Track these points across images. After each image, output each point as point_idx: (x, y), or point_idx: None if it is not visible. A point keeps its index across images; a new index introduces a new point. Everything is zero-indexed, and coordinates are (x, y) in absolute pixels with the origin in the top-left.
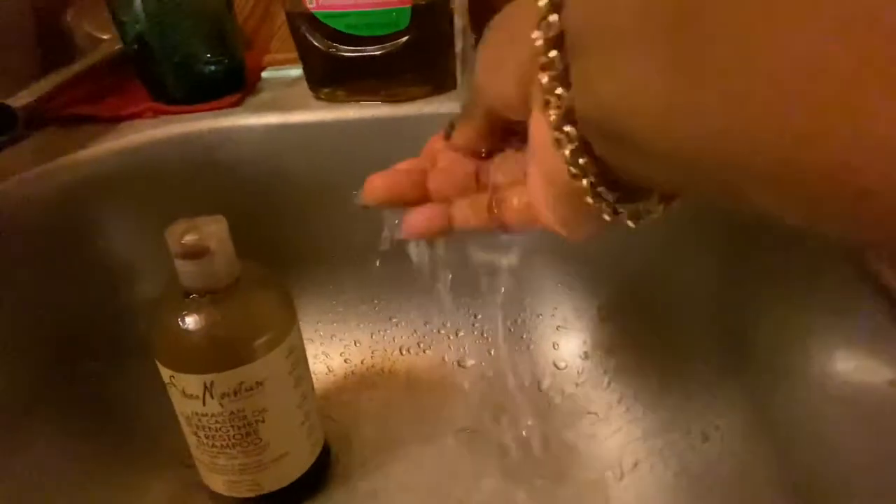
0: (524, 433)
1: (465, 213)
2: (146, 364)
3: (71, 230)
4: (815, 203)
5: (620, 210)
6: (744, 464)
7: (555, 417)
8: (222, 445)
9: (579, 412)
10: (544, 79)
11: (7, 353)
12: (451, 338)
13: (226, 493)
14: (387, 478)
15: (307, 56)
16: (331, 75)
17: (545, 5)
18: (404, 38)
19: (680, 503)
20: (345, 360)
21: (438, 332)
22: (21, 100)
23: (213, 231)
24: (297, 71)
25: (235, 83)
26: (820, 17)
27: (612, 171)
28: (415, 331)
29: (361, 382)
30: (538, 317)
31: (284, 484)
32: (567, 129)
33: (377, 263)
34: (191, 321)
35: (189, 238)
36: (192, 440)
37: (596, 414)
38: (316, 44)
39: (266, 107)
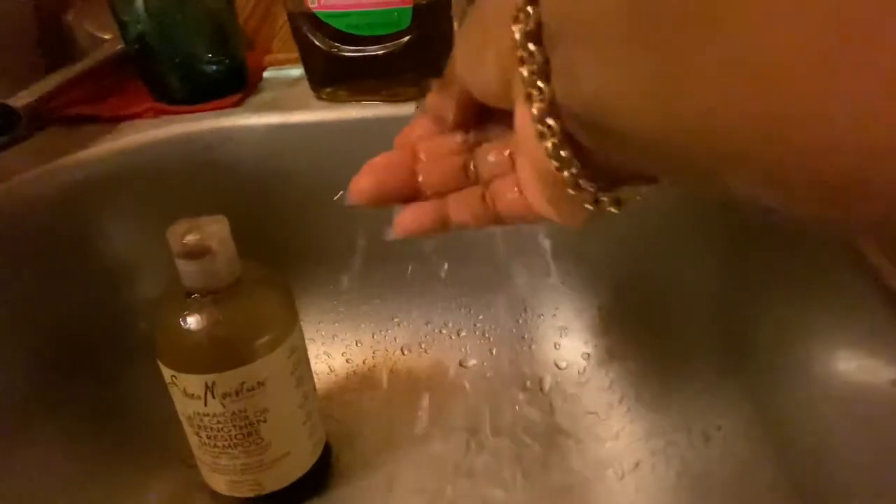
0: (525, 433)
1: (460, 208)
2: (148, 364)
3: (72, 230)
4: (793, 188)
5: (602, 199)
6: (745, 464)
7: (556, 417)
8: (224, 445)
9: (580, 412)
10: (524, 72)
11: (8, 352)
12: (453, 338)
13: (227, 493)
14: (388, 478)
15: (308, 56)
16: (332, 75)
17: None
18: (406, 38)
19: (681, 503)
20: (346, 360)
21: (440, 331)
22: (22, 100)
23: (214, 231)
24: (298, 71)
25: (237, 83)
26: (795, 3)
27: (595, 162)
28: (416, 331)
29: (363, 382)
30: (539, 317)
31: (286, 484)
32: (549, 121)
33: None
34: (192, 321)
35: (190, 238)
36: (193, 440)
37: (597, 414)
38: (317, 44)
39: (267, 107)
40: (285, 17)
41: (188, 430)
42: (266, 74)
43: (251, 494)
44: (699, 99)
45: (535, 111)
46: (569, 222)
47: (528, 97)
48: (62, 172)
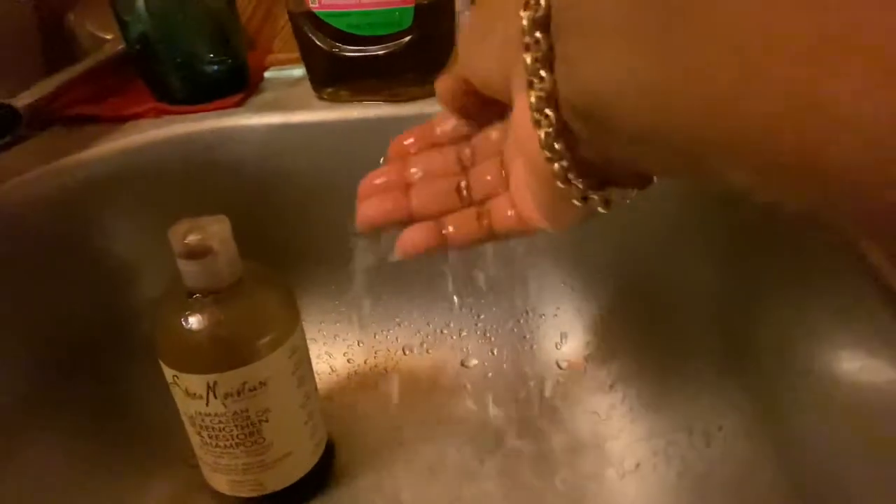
0: (526, 433)
1: (456, 228)
2: (149, 364)
3: (74, 230)
4: (785, 179)
5: (590, 197)
6: (746, 464)
7: (557, 417)
8: (226, 445)
9: (581, 412)
10: (528, 59)
11: (8, 352)
12: (454, 338)
13: (229, 493)
14: (389, 478)
15: (310, 56)
16: (333, 75)
17: None
18: (407, 38)
19: (682, 503)
20: (348, 360)
21: (441, 332)
22: (24, 100)
23: (215, 231)
24: (299, 71)
25: (238, 83)
26: (789, 4)
27: (586, 159)
28: (418, 331)
29: (364, 382)
30: (541, 317)
31: (288, 483)
32: (547, 111)
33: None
34: (194, 321)
35: (192, 238)
36: (195, 440)
37: (598, 414)
38: (318, 43)
39: (269, 107)
40: (286, 17)
41: (190, 429)
42: (267, 74)
43: (253, 494)
44: (694, 92)
45: (533, 99)
46: (558, 225)
47: (530, 84)
48: (63, 172)
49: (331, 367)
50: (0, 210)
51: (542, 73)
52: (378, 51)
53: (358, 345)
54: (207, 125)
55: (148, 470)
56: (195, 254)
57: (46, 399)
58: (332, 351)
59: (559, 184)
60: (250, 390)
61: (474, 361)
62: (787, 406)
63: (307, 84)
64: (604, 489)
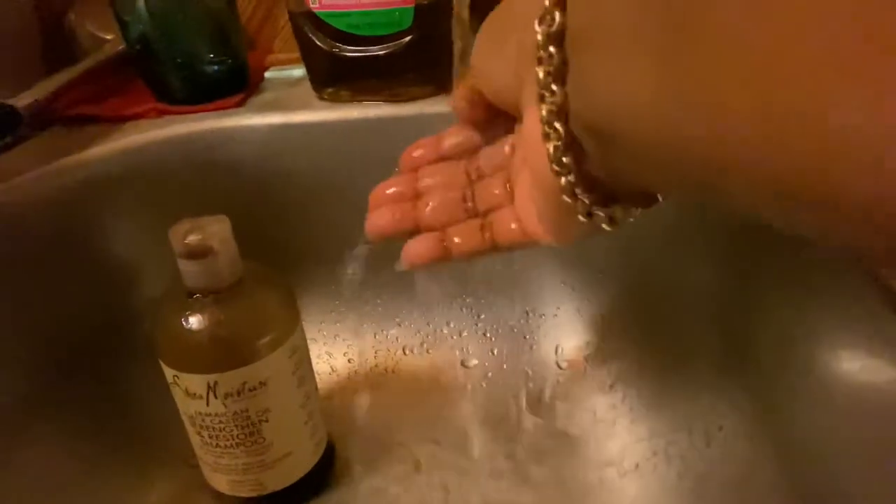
0: (526, 433)
1: (460, 240)
2: (149, 364)
3: (74, 230)
4: (792, 205)
5: (595, 213)
6: (747, 464)
7: (557, 417)
8: (226, 445)
9: (582, 412)
10: (540, 73)
11: (9, 352)
12: (455, 338)
13: (229, 493)
14: (390, 478)
15: (310, 56)
16: (334, 75)
17: (550, 1)
18: (407, 38)
19: (682, 503)
20: (348, 360)
21: (441, 332)
22: (24, 100)
23: (216, 231)
24: (299, 71)
25: (238, 83)
26: (798, 28)
27: (594, 174)
28: (418, 331)
29: (364, 382)
30: (541, 317)
31: (288, 483)
32: (557, 125)
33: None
34: (194, 321)
35: (192, 238)
36: (195, 440)
37: (598, 414)
38: (319, 44)
39: (269, 107)
40: (286, 17)
41: (190, 429)
42: (268, 74)
43: (253, 494)
44: (704, 116)
45: (544, 112)
46: (561, 239)
47: (541, 98)
48: (64, 173)
49: (331, 367)
50: (0, 210)
51: (554, 86)
52: (378, 51)
53: (358, 345)
54: (208, 125)
55: (148, 470)
56: (195, 254)
57: (46, 399)
58: (332, 351)
59: (565, 198)
60: (250, 390)
61: (474, 361)
62: (787, 406)
63: (307, 84)
64: (604, 489)
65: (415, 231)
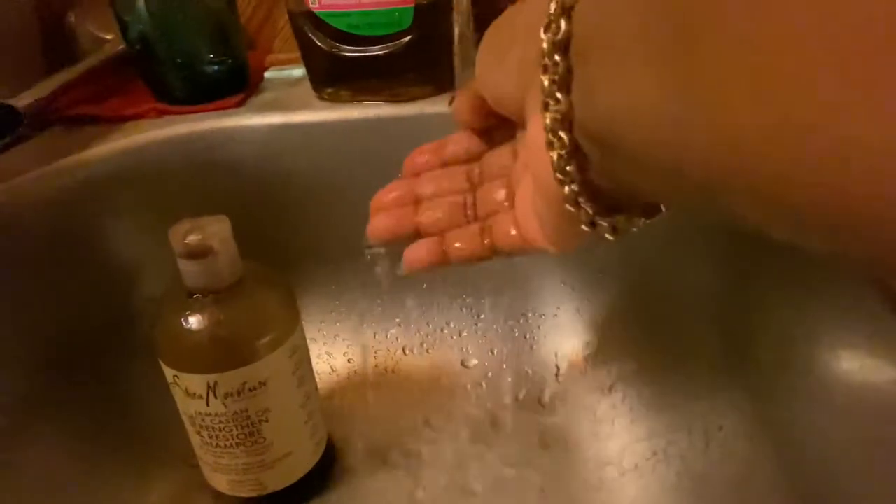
0: (526, 433)
1: (459, 244)
2: (149, 364)
3: (74, 230)
4: (801, 221)
5: (598, 222)
6: (746, 464)
7: (557, 418)
8: (226, 445)
9: (581, 412)
10: (545, 81)
11: (8, 352)
12: (454, 338)
13: (229, 493)
14: (390, 478)
15: (310, 56)
16: (333, 75)
17: (556, 10)
18: (407, 38)
19: (682, 503)
20: (348, 360)
21: (441, 332)
22: (24, 100)
23: (216, 231)
24: (299, 71)
25: (238, 83)
26: (807, 43)
27: (597, 183)
28: (418, 331)
29: (364, 382)
30: (541, 317)
31: (288, 483)
32: (561, 133)
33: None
34: (194, 321)
35: (192, 238)
36: (195, 440)
37: (598, 414)
38: (318, 43)
39: (269, 107)
40: (286, 17)
41: (190, 429)
42: (267, 74)
43: (253, 494)
44: (709, 128)
45: (548, 121)
46: (562, 247)
47: (545, 106)
48: (64, 173)
49: (331, 367)
50: (0, 210)
51: (559, 95)
52: (378, 51)
53: (358, 345)
54: (208, 125)
55: (148, 470)
56: (195, 254)
57: (46, 399)
58: (332, 351)
59: (568, 207)
60: (250, 390)
61: (474, 361)
62: (787, 406)
63: (307, 84)
64: (603, 489)
65: (415, 235)
